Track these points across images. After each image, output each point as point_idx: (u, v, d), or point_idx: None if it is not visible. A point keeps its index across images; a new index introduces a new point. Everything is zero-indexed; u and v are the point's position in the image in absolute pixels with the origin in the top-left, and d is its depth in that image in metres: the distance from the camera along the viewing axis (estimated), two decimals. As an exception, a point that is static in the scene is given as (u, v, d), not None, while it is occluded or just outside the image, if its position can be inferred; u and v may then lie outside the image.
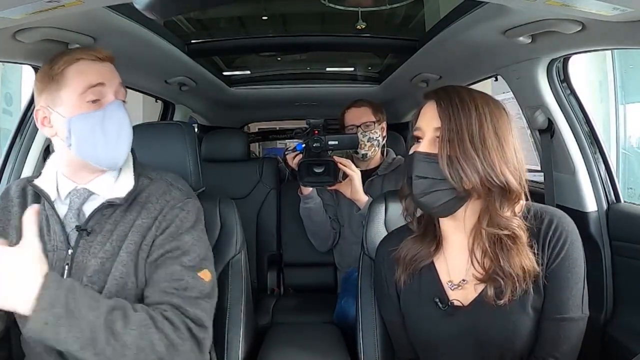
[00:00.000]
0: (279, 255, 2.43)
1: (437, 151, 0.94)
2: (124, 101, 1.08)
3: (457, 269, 1.02)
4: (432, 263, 1.05)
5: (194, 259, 1.05)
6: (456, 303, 1.00)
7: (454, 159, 0.91)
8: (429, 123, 0.97)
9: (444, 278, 1.03)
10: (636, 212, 1.46)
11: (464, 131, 0.92)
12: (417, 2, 1.89)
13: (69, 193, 1.07)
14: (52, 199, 1.07)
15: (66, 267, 1.03)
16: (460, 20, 1.39)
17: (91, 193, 1.08)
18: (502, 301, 0.94)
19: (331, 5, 1.79)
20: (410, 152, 1.00)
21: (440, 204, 0.95)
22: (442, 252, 1.05)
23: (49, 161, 1.14)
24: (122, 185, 1.09)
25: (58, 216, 1.06)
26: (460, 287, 1.01)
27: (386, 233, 1.31)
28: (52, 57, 1.07)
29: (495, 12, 1.24)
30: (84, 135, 1.02)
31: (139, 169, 1.14)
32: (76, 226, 1.05)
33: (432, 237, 1.05)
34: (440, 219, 1.04)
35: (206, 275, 1.06)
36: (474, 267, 0.99)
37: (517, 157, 0.96)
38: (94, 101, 1.03)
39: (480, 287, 0.98)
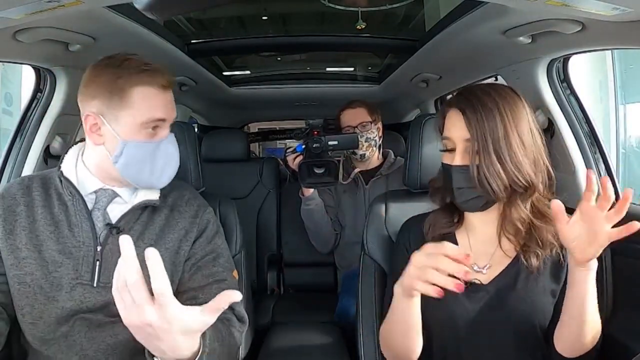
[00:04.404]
0: (279, 255, 2.43)
1: (468, 163, 0.99)
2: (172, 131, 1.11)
3: (482, 254, 1.06)
4: (456, 243, 1.09)
5: (227, 260, 1.16)
6: (477, 282, 1.05)
7: (481, 169, 0.97)
8: (458, 135, 1.00)
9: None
10: (636, 212, 1.46)
11: (488, 141, 0.96)
12: (417, 2, 1.89)
13: (95, 191, 1.08)
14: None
15: (97, 263, 1.04)
16: (460, 20, 1.40)
17: (116, 195, 1.09)
18: (535, 265, 0.99)
19: (331, 5, 1.80)
20: (445, 161, 1.04)
21: (480, 206, 1.03)
22: (466, 235, 1.10)
23: (68, 156, 1.12)
24: (147, 191, 1.11)
25: (88, 212, 1.06)
26: (483, 272, 1.05)
27: (386, 233, 1.32)
28: (115, 66, 1.02)
29: (495, 12, 1.24)
30: (134, 161, 1.04)
31: None
32: (108, 224, 1.06)
33: (455, 210, 1.10)
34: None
35: (235, 274, 1.17)
36: (501, 246, 1.04)
37: (535, 142, 1.00)
38: (152, 131, 1.04)
39: (503, 266, 1.04)
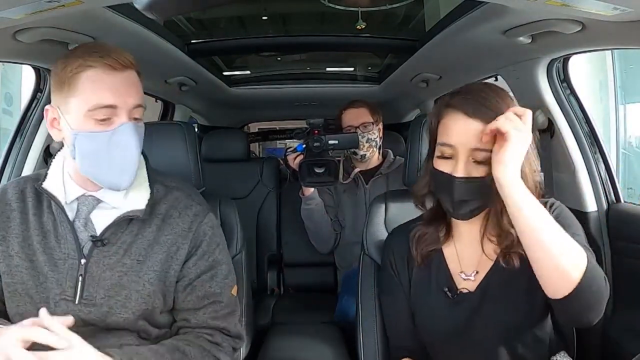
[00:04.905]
0: (279, 255, 2.43)
1: (478, 174, 0.93)
2: (138, 118, 0.99)
3: (469, 260, 1.05)
4: (442, 254, 1.07)
5: (227, 275, 1.08)
6: (464, 291, 1.04)
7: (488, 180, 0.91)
8: (464, 143, 0.93)
9: (455, 269, 1.06)
10: (636, 212, 1.46)
11: None
12: (417, 2, 1.89)
13: (77, 199, 1.01)
14: (63, 204, 1.00)
15: (80, 278, 0.98)
16: (460, 20, 1.39)
17: (100, 201, 1.01)
18: (517, 266, 0.96)
19: (331, 5, 1.79)
20: (442, 169, 0.97)
21: (473, 215, 0.99)
22: (453, 243, 1.08)
23: (55, 162, 1.06)
24: (136, 195, 1.03)
25: (70, 223, 1.00)
26: (471, 278, 1.04)
27: (386, 233, 1.32)
28: (67, 55, 0.96)
29: (495, 12, 1.24)
30: (88, 155, 0.95)
31: (153, 176, 1.08)
32: (92, 236, 1.00)
33: (442, 222, 1.08)
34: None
35: (235, 290, 1.11)
36: (484, 250, 1.03)
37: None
38: (103, 119, 0.94)
39: (487, 269, 1.02)
